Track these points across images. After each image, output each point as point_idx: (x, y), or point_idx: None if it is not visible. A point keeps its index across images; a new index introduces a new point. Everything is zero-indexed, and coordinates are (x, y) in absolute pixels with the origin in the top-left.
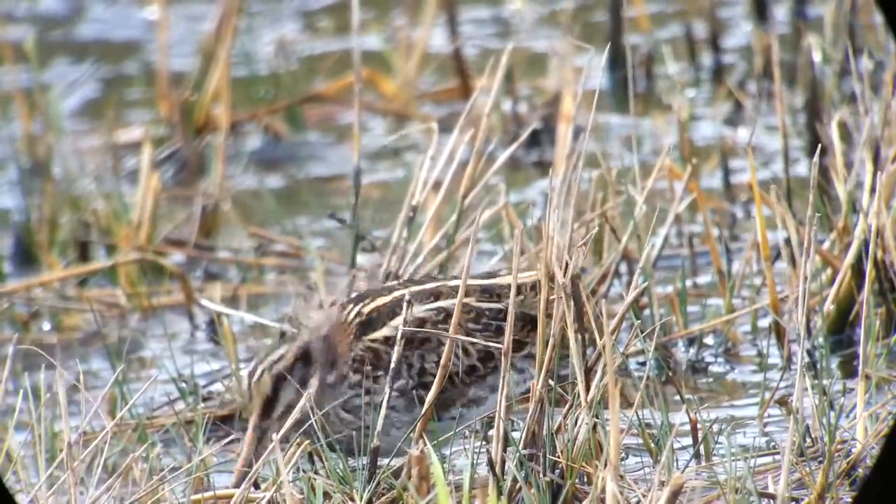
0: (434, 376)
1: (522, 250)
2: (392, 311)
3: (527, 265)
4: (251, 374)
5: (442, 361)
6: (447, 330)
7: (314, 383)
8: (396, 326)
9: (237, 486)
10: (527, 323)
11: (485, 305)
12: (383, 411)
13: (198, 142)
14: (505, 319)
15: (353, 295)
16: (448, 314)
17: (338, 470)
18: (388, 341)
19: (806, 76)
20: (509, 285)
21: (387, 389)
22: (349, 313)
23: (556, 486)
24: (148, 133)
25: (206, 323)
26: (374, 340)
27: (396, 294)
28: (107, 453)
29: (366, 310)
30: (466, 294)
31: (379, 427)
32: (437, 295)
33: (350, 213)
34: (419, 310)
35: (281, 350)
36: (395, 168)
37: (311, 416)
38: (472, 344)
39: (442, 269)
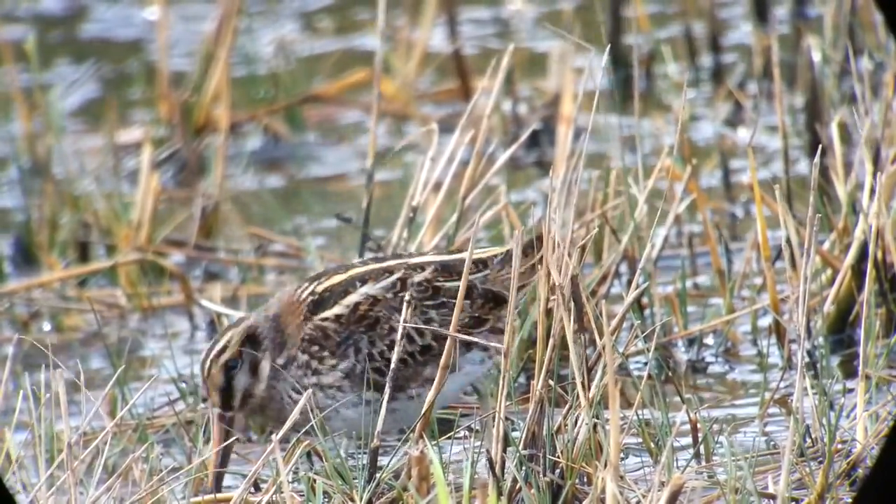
0: (382, 361)
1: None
2: (345, 289)
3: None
4: (202, 369)
5: (441, 363)
6: (396, 306)
7: (266, 366)
8: (347, 304)
9: (215, 483)
10: (489, 300)
11: (442, 284)
12: (383, 411)
13: (198, 142)
14: (466, 298)
15: (312, 274)
16: (400, 289)
17: (338, 470)
18: (339, 319)
19: (806, 76)
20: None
21: (387, 388)
22: (302, 292)
23: (556, 486)
24: (148, 133)
25: (206, 323)
26: (324, 319)
27: (352, 272)
28: (107, 454)
29: (319, 288)
30: (422, 270)
31: (379, 425)
32: (390, 272)
33: (354, 213)
34: (373, 288)
35: (226, 337)
36: (396, 168)
37: (312, 416)
38: (427, 323)
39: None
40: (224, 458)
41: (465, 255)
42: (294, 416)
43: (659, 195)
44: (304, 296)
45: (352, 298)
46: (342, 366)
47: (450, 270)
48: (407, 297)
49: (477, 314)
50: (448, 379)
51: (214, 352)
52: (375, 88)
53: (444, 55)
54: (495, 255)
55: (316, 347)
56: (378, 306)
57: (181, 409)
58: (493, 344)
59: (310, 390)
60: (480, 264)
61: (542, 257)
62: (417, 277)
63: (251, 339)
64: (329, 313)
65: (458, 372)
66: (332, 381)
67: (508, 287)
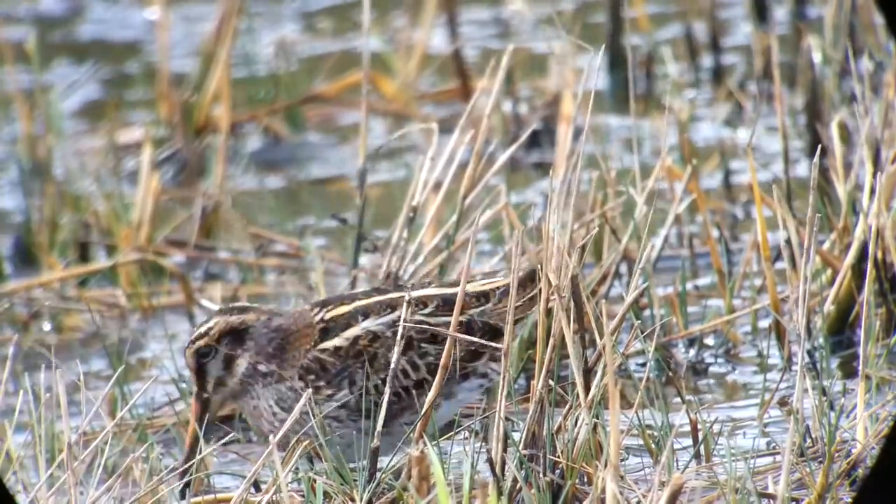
0: (376, 395)
1: (522, 251)
2: (347, 322)
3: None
4: (187, 346)
5: (442, 362)
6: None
7: (243, 364)
8: (347, 338)
9: (186, 461)
10: (486, 332)
11: (442, 321)
12: (381, 414)
13: (198, 142)
14: (465, 332)
15: (317, 300)
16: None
17: (338, 470)
18: (338, 352)
19: (806, 77)
20: (472, 294)
21: (386, 390)
22: (315, 315)
23: (557, 486)
24: (148, 134)
25: None
26: (323, 350)
27: (356, 304)
28: (107, 454)
29: (328, 316)
30: (424, 306)
31: (379, 425)
32: (393, 307)
33: (353, 214)
34: (373, 323)
35: (209, 323)
36: (396, 168)
37: (311, 417)
38: (422, 357)
39: (442, 270)
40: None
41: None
42: (294, 416)
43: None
44: (316, 320)
45: (352, 332)
46: (338, 396)
47: (451, 305)
48: (407, 297)
49: (474, 347)
50: (444, 405)
51: (195, 335)
52: (364, 87)
53: (444, 55)
54: (497, 288)
55: (312, 377)
56: (377, 343)
57: (181, 409)
58: (493, 344)
59: (309, 390)
60: (482, 297)
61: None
62: (417, 317)
63: (234, 333)
64: (329, 345)
65: (453, 399)
66: (328, 411)
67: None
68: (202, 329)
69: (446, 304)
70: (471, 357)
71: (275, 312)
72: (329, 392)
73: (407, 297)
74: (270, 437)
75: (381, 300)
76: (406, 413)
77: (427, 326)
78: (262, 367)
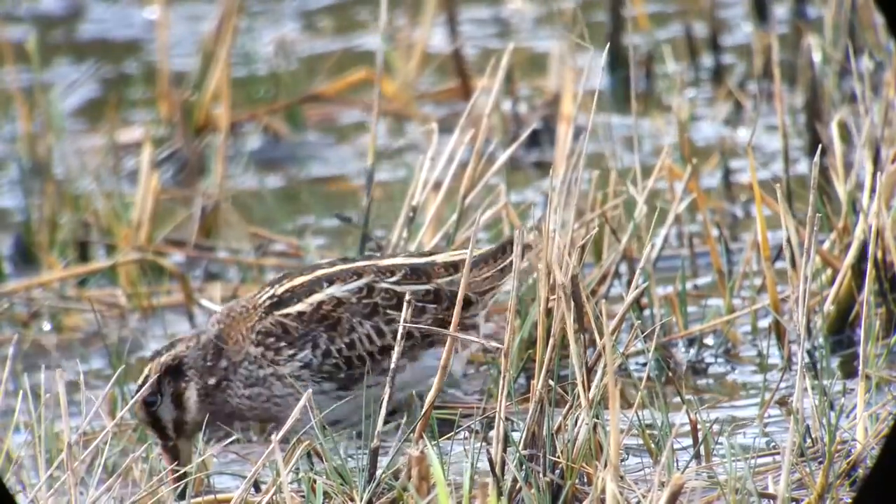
0: (341, 358)
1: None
2: (310, 289)
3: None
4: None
5: (442, 362)
6: (360, 310)
7: (192, 395)
8: (311, 303)
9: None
10: (455, 302)
11: (409, 288)
12: (383, 411)
13: (198, 142)
14: (432, 301)
15: (276, 276)
16: (367, 294)
17: (338, 470)
18: (300, 316)
19: (806, 76)
20: (441, 264)
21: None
22: (261, 296)
23: (556, 486)
24: (148, 133)
25: None
26: (285, 315)
27: (318, 273)
28: (107, 454)
29: (280, 290)
30: (392, 274)
31: (380, 425)
32: (359, 274)
33: (355, 213)
34: (339, 289)
35: (145, 371)
36: (396, 168)
37: (311, 416)
38: (388, 324)
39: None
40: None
41: (435, 257)
42: (295, 414)
43: (659, 195)
44: (262, 300)
45: (316, 297)
46: (300, 356)
47: (419, 274)
48: (407, 297)
49: (441, 316)
50: (408, 368)
51: (137, 392)
52: (376, 88)
53: (444, 55)
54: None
55: (272, 339)
56: (341, 308)
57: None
58: (493, 344)
59: (310, 390)
60: (451, 268)
61: (510, 262)
62: (384, 284)
63: (171, 371)
64: (291, 310)
65: (416, 364)
66: (290, 370)
67: (475, 290)
68: (140, 381)
69: (414, 272)
70: (438, 325)
71: (199, 331)
72: (291, 352)
73: (407, 298)
74: (272, 437)
75: (347, 268)
76: (369, 377)
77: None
78: (211, 381)
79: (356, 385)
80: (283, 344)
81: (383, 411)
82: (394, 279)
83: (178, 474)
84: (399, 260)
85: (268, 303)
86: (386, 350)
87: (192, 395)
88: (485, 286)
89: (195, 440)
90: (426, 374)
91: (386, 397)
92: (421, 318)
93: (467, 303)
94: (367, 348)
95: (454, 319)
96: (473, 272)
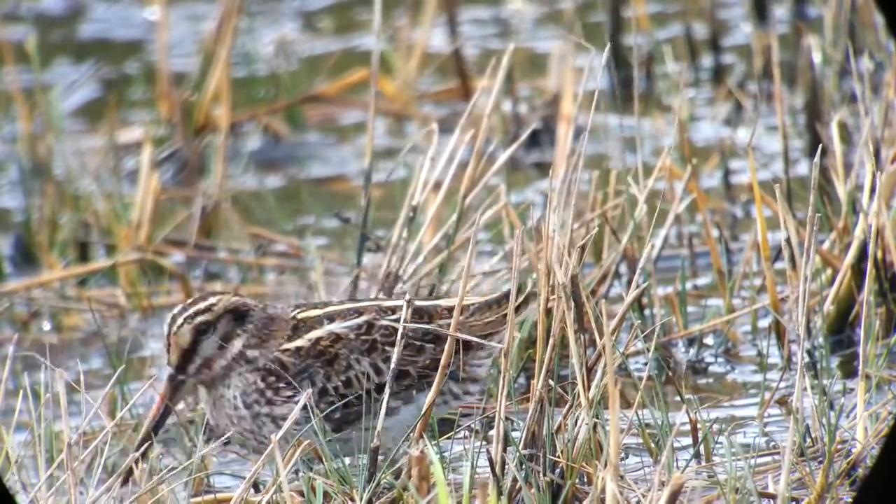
0: (337, 396)
1: (522, 250)
2: (312, 327)
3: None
4: (171, 322)
5: (442, 362)
6: (358, 346)
7: (237, 346)
8: (309, 339)
9: (139, 447)
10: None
11: (410, 326)
12: (382, 412)
13: (198, 142)
14: (431, 342)
15: (294, 302)
16: (366, 330)
17: (338, 470)
18: (298, 352)
19: (806, 76)
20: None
21: (386, 393)
22: (292, 312)
23: (556, 486)
24: (148, 133)
25: None
26: (284, 351)
27: (327, 310)
28: (107, 454)
29: (300, 315)
30: (393, 312)
31: (380, 424)
32: (360, 312)
33: (355, 213)
34: (338, 326)
35: (210, 300)
36: (396, 168)
37: (312, 416)
38: (385, 361)
39: (442, 270)
40: (160, 422)
41: (439, 302)
42: (288, 421)
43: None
44: (290, 317)
45: (315, 333)
46: (297, 398)
47: (420, 314)
48: (407, 297)
49: (440, 357)
50: (402, 410)
51: (192, 310)
52: (372, 88)
53: (444, 55)
54: (472, 305)
55: (273, 378)
56: (339, 344)
57: (181, 408)
58: (493, 344)
59: (310, 390)
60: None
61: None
62: (384, 321)
63: (236, 313)
64: (290, 345)
65: (412, 405)
66: (286, 412)
67: (476, 334)
68: (201, 305)
69: (416, 312)
70: (434, 367)
71: (268, 302)
72: (289, 394)
73: (406, 299)
74: (273, 437)
75: (350, 307)
76: (364, 418)
77: (424, 327)
78: (249, 353)
79: (350, 426)
80: (281, 384)
81: (383, 411)
82: (395, 317)
83: (162, 411)
84: (401, 302)
85: (292, 324)
86: (382, 389)
87: (237, 346)
88: (486, 330)
89: (192, 390)
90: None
91: (386, 397)
92: (419, 357)
93: (466, 347)
94: (364, 386)
95: (454, 319)
96: (476, 316)
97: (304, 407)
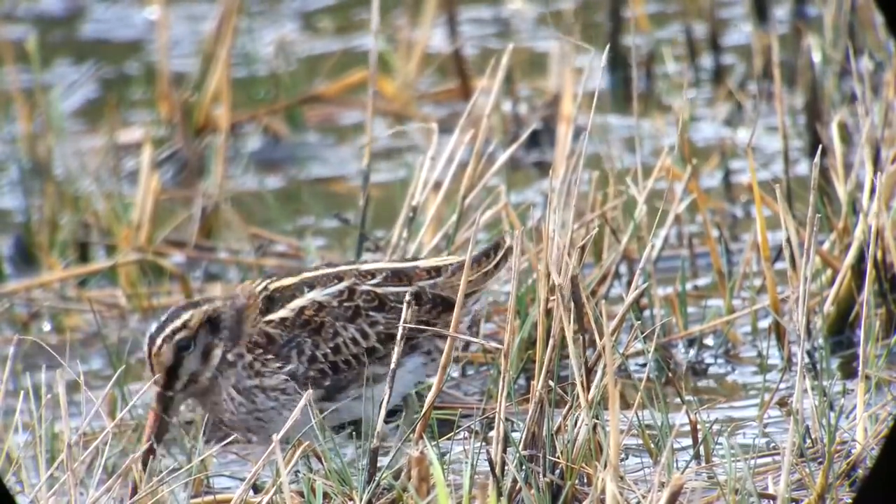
0: (326, 363)
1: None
2: (293, 294)
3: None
4: (150, 343)
5: (442, 362)
6: (342, 313)
7: (218, 354)
8: (293, 308)
9: (143, 464)
10: (437, 305)
11: (390, 290)
12: (383, 412)
13: (198, 142)
14: (414, 303)
15: (264, 274)
16: (347, 297)
17: (337, 471)
18: (283, 323)
19: (806, 77)
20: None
21: (387, 390)
22: (257, 287)
23: (556, 486)
24: (148, 133)
25: None
26: (268, 322)
27: (303, 276)
28: (107, 454)
29: (272, 286)
30: (372, 276)
31: (379, 424)
32: (340, 278)
33: (354, 214)
34: (319, 294)
35: (185, 315)
36: (396, 168)
37: (312, 416)
38: (372, 326)
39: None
40: (160, 434)
41: (418, 262)
42: (293, 417)
43: (659, 195)
44: (258, 290)
45: (297, 303)
46: (286, 368)
47: (400, 277)
48: (407, 298)
49: (424, 318)
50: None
51: (169, 329)
52: (371, 89)
53: (444, 55)
54: (450, 265)
55: (260, 350)
56: (323, 312)
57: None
58: (493, 344)
59: (310, 390)
60: (434, 271)
61: (494, 267)
62: (365, 287)
63: (212, 322)
64: (274, 316)
65: (402, 369)
66: (275, 383)
67: (457, 293)
68: (178, 323)
69: (395, 275)
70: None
71: (229, 296)
72: (277, 364)
73: (407, 298)
74: (273, 436)
75: (328, 272)
76: (353, 386)
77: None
78: (230, 356)
79: (341, 394)
80: (269, 356)
81: (383, 411)
82: (374, 281)
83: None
84: (380, 265)
85: (263, 294)
86: (371, 352)
87: (217, 354)
88: (467, 290)
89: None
90: (414, 381)
91: (386, 398)
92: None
93: (448, 305)
94: (352, 351)
95: (454, 320)
96: (457, 275)
97: (292, 377)
